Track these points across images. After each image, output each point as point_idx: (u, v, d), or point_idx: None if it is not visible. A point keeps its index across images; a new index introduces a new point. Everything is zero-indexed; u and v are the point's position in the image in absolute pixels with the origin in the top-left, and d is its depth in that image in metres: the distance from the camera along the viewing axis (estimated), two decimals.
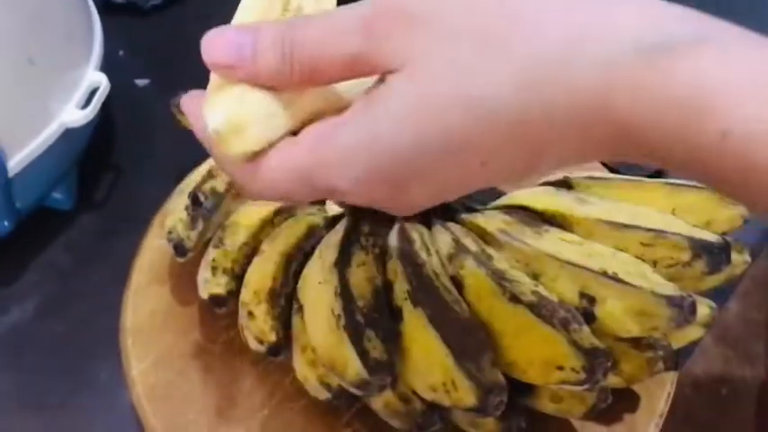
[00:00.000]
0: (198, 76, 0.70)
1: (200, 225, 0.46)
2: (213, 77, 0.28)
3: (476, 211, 0.45)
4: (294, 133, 0.27)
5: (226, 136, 0.26)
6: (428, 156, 0.24)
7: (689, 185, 0.45)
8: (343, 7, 0.26)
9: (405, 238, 0.42)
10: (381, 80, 0.25)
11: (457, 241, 0.42)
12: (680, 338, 0.43)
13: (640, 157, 0.24)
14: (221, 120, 0.26)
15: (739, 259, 0.46)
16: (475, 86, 0.23)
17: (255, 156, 0.27)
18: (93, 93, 0.52)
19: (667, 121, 0.22)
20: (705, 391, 0.52)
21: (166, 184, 0.52)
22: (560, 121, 0.23)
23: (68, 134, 0.51)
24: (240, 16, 0.29)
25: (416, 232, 0.43)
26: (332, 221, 0.46)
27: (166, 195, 0.51)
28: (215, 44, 0.26)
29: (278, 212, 0.48)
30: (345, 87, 0.28)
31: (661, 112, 0.22)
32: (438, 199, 0.27)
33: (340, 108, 0.27)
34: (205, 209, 0.46)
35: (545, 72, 0.23)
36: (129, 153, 0.61)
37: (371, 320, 0.38)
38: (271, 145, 0.27)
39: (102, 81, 0.52)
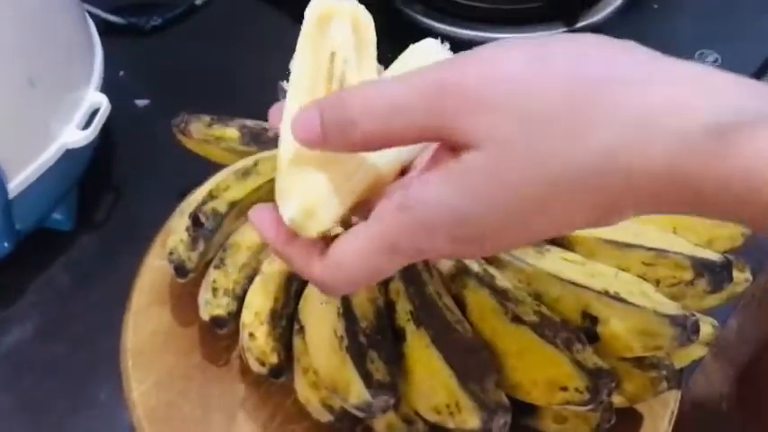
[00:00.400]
0: (197, 96, 0.70)
1: (201, 246, 0.46)
2: (279, 161, 0.30)
3: None
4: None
5: (301, 222, 0.29)
6: (508, 224, 0.27)
7: None
8: (392, 79, 0.28)
9: None
10: (452, 151, 0.27)
11: (459, 261, 0.42)
12: (683, 357, 0.43)
13: (713, 215, 0.26)
14: (294, 208, 0.29)
15: (741, 277, 0.46)
16: (555, 164, 0.26)
17: (327, 235, 0.30)
18: (93, 114, 0.52)
19: (735, 188, 0.24)
20: (705, 407, 0.52)
21: (167, 204, 0.52)
22: (635, 187, 0.26)
23: (69, 155, 0.51)
24: (291, 87, 0.31)
25: None
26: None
27: (167, 215, 0.51)
28: (294, 126, 0.29)
29: None
30: (388, 159, 0.31)
31: (729, 180, 0.24)
32: (506, 250, 0.30)
33: (390, 177, 0.31)
34: (206, 230, 0.46)
35: (621, 148, 0.25)
36: (130, 173, 0.61)
37: (374, 342, 0.38)
38: (343, 221, 0.30)
39: (103, 102, 0.52)
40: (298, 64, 0.31)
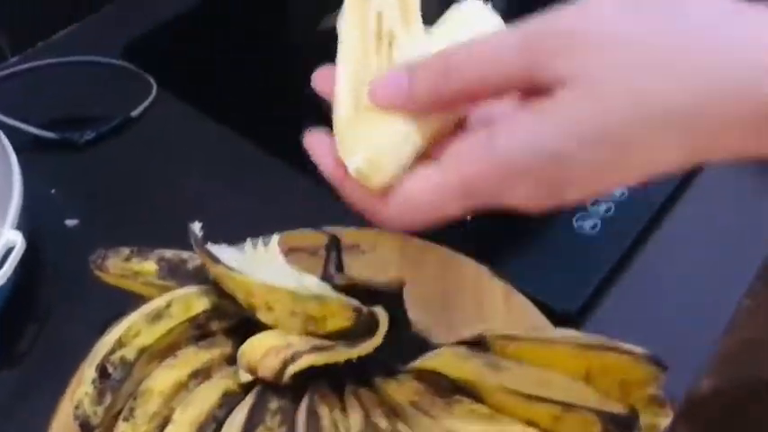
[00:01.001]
0: (129, 215, 0.68)
1: (107, 399, 0.44)
2: (336, 117, 0.31)
3: (392, 373, 0.45)
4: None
5: (366, 174, 0.29)
6: (596, 165, 0.27)
7: (603, 346, 0.44)
8: (489, 35, 0.29)
9: (313, 415, 0.41)
10: (541, 94, 0.27)
11: (366, 418, 0.41)
12: None
13: None
14: (360, 160, 0.29)
15: (661, 413, 0.45)
16: (652, 105, 0.26)
17: (390, 186, 0.30)
18: (8, 252, 0.51)
19: None
20: None
21: (94, 336, 0.50)
22: (731, 126, 0.27)
23: None
24: (341, 47, 0.32)
25: (326, 407, 0.42)
26: (247, 387, 0.45)
27: (93, 345, 0.50)
28: (377, 87, 0.30)
29: (193, 375, 0.47)
30: None
31: None
32: (587, 197, 0.31)
33: (454, 123, 0.31)
34: (114, 380, 0.45)
35: (718, 92, 0.26)
36: (57, 299, 0.59)
37: None
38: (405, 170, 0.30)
39: (18, 241, 0.51)
40: (345, 25, 0.32)
